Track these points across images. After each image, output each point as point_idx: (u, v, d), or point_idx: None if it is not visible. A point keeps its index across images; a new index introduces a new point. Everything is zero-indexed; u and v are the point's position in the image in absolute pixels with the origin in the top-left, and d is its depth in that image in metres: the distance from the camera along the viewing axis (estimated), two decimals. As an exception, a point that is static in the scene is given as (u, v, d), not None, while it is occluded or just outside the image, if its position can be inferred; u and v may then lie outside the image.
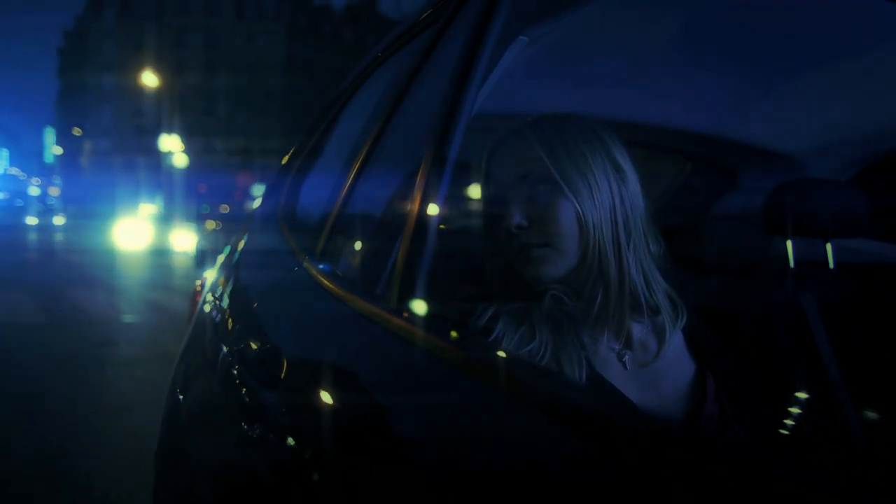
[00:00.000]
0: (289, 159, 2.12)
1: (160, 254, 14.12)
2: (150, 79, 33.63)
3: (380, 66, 1.62)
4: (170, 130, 30.66)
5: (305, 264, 1.29)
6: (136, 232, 17.17)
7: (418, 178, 0.91)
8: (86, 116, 55.92)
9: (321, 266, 1.23)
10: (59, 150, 63.94)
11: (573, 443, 0.52)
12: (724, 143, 1.55)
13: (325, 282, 1.15)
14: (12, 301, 8.14)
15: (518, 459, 0.55)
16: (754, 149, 1.54)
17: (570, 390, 0.72)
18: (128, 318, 7.86)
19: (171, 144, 29.14)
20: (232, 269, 1.86)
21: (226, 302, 1.70)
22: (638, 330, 0.91)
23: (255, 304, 1.48)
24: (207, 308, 1.84)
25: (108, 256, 13.90)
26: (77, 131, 57.31)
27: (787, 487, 0.38)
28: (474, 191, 0.97)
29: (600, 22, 1.06)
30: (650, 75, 1.29)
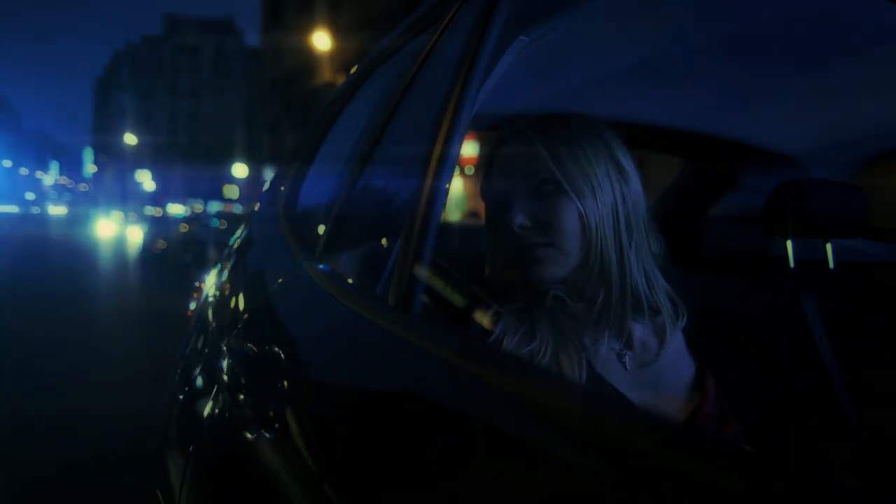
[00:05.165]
0: (290, 158, 2.12)
1: (117, 238, 25.58)
2: (130, 138, 64.55)
3: (380, 66, 1.62)
4: (142, 167, 57.18)
5: (305, 264, 1.29)
6: (108, 227, 31.74)
7: (418, 178, 0.90)
8: (110, 145, 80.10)
9: (321, 266, 1.23)
10: (94, 168, 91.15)
11: (573, 443, 0.52)
12: (723, 143, 1.55)
13: (325, 282, 1.15)
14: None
15: (518, 459, 0.55)
16: (754, 149, 1.54)
17: (570, 390, 0.72)
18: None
19: (143, 177, 55.59)
20: (232, 269, 1.86)
21: (226, 302, 1.70)
22: (639, 330, 0.91)
23: (255, 305, 1.48)
24: (208, 308, 1.84)
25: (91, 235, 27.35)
26: (103, 157, 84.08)
27: (787, 487, 0.38)
28: (476, 191, 0.97)
29: (600, 22, 1.06)
30: (650, 75, 1.29)
